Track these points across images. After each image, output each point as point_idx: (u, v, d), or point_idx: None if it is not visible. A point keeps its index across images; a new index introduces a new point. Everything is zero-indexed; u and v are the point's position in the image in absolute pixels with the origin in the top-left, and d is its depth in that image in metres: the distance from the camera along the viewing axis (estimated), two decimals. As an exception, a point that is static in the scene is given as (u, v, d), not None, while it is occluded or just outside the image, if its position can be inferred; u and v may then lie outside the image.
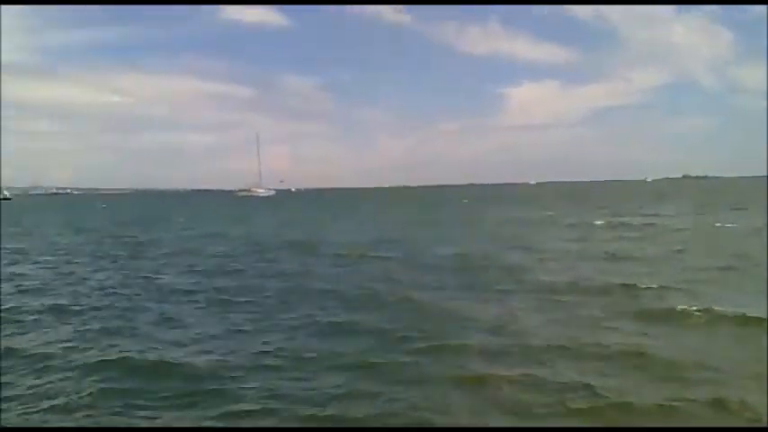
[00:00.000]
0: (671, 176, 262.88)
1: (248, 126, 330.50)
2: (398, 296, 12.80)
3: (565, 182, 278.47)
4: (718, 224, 29.75)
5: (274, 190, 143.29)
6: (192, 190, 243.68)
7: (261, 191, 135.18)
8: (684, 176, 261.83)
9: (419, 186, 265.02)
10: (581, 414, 6.28)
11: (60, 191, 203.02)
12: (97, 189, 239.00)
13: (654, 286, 13.06)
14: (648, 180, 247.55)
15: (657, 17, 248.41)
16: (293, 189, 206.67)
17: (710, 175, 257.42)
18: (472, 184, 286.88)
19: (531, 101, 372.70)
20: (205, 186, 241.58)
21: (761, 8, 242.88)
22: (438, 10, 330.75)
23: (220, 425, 6.17)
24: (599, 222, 33.49)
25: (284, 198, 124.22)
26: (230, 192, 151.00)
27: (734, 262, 16.56)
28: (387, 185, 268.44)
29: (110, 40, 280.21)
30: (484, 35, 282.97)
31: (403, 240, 25.70)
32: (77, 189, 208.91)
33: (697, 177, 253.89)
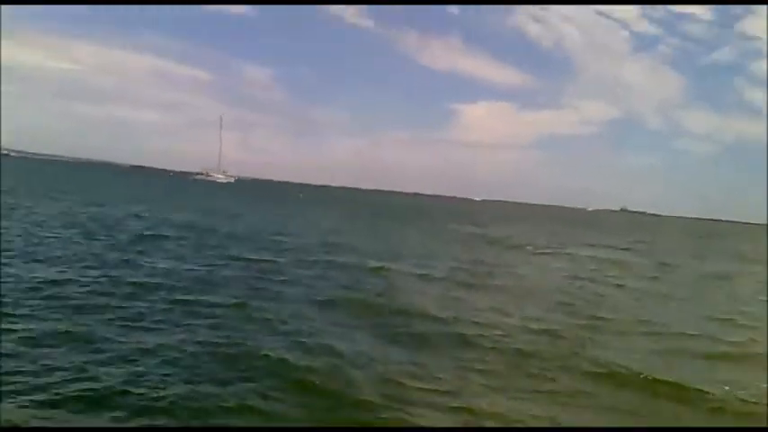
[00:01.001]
0: (611, 208, 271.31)
1: (200, 108, 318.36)
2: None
3: (508, 202, 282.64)
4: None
5: (234, 177, 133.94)
6: (133, 166, 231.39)
7: (220, 176, 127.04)
8: (622, 209, 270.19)
9: (367, 190, 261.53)
10: None
11: None
12: (38, 153, 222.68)
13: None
14: (589, 209, 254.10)
15: (613, 52, 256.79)
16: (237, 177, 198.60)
17: (648, 211, 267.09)
18: (418, 194, 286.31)
19: (484, 120, 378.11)
20: (149, 164, 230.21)
21: (713, 55, 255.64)
22: (401, 18, 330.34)
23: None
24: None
25: (247, 187, 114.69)
26: (185, 173, 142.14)
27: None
28: (335, 185, 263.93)
29: (72, 9, 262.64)
30: (444, 49, 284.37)
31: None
32: (15, 151, 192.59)
33: (635, 212, 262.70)
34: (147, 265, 14.53)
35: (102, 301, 10.28)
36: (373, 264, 18.06)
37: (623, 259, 29.20)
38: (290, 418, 6.19)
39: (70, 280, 11.67)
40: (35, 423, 5.36)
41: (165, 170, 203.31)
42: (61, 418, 5.65)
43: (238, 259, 16.95)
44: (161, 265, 14.58)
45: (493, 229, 48.36)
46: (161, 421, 5.80)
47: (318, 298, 12.35)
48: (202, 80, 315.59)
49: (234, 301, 11.16)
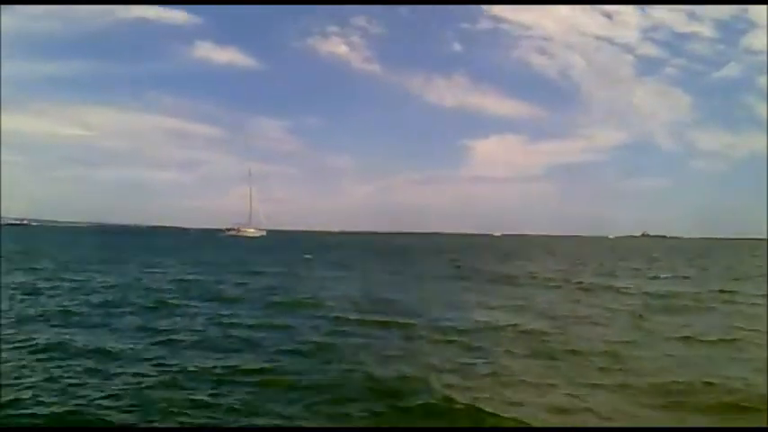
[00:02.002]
0: (632, 234, 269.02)
1: (215, 164, 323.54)
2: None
3: (528, 235, 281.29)
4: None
5: (265, 230, 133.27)
6: (151, 227, 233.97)
7: (251, 230, 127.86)
8: (643, 234, 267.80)
9: (386, 233, 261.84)
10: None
11: (17, 221, 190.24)
12: (56, 221, 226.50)
13: None
14: (611, 237, 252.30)
15: (619, 77, 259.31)
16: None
17: (668, 234, 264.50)
18: (437, 233, 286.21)
19: (495, 154, 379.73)
20: (168, 224, 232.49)
21: (720, 73, 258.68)
22: (406, 59, 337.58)
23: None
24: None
25: (278, 241, 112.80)
26: (206, 230, 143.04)
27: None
28: (353, 230, 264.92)
29: (77, 74, 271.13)
30: (451, 87, 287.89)
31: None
32: (35, 220, 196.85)
33: (656, 236, 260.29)
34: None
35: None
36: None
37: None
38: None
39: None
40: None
41: (183, 228, 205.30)
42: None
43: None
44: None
45: (543, 265, 48.14)
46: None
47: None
48: (215, 137, 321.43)
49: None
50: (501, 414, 7.30)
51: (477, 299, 21.96)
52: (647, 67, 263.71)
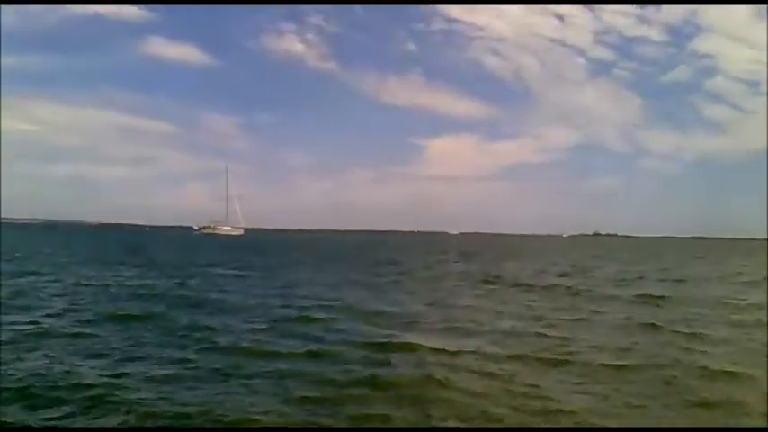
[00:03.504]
0: (584, 233, 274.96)
1: (168, 161, 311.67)
2: None
3: (484, 233, 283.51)
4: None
5: (242, 229, 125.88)
6: (103, 224, 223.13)
7: (227, 228, 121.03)
8: (595, 233, 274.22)
9: (345, 231, 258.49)
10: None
11: None
12: (7, 219, 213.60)
13: None
14: (565, 236, 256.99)
15: (571, 79, 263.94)
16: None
17: (620, 233, 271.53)
18: (393, 231, 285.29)
19: (449, 153, 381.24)
20: (120, 221, 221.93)
21: (669, 76, 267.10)
22: (361, 58, 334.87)
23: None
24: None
25: (259, 239, 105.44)
26: (160, 227, 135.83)
27: None
28: (310, 228, 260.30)
29: (29, 69, 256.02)
30: (404, 86, 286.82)
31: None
32: None
33: (607, 235, 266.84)
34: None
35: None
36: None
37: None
38: None
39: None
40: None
41: (137, 225, 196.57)
42: None
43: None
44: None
45: (509, 266, 46.11)
46: None
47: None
48: (168, 133, 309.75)
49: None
50: None
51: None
52: (599, 68, 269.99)
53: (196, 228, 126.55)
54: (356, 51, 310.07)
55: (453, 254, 63.10)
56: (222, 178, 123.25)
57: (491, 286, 25.60)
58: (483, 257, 55.35)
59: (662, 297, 21.43)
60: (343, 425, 6.62)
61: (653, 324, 14.93)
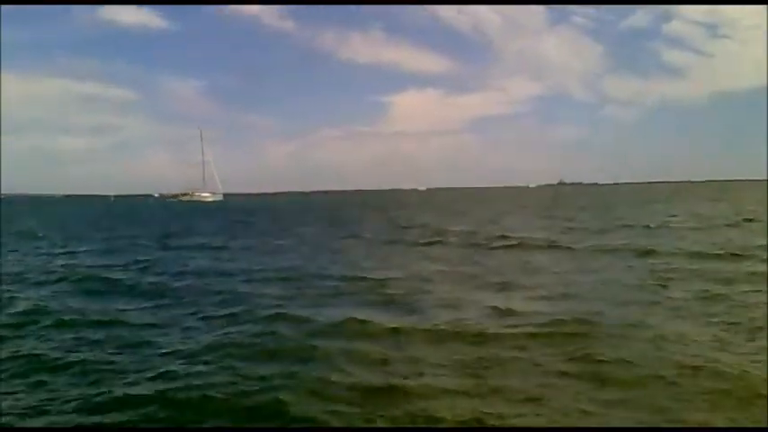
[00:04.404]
0: (550, 183, 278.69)
1: (130, 128, 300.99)
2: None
3: (453, 188, 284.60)
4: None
5: (221, 194, 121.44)
6: (67, 195, 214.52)
7: (206, 195, 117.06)
8: (560, 183, 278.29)
9: (311, 192, 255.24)
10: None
11: None
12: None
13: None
14: (531, 186, 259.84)
15: (531, 29, 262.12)
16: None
17: (585, 182, 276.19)
18: (361, 190, 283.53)
19: (414, 108, 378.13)
20: (84, 191, 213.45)
21: (628, 21, 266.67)
22: (320, 15, 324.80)
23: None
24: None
25: (246, 205, 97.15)
26: (130, 197, 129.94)
27: None
28: (278, 191, 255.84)
29: None
30: (365, 42, 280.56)
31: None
32: None
33: (572, 183, 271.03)
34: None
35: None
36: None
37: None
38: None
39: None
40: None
41: (103, 195, 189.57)
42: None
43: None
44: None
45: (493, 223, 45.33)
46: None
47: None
48: (128, 100, 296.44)
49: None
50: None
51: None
52: (558, 17, 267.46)
53: (156, 195, 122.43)
54: (315, 10, 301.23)
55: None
56: (190, 144, 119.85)
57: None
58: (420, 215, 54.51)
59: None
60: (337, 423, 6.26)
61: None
